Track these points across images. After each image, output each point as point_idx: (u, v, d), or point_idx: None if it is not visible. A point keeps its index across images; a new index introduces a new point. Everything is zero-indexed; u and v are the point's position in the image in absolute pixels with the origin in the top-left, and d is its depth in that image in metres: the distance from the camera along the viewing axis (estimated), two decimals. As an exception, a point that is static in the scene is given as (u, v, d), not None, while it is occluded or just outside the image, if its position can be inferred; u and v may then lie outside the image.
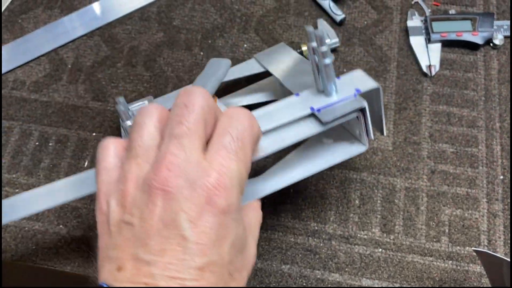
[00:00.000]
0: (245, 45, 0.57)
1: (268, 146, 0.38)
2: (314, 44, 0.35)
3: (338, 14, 0.56)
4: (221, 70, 0.44)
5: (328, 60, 0.35)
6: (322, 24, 0.56)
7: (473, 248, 0.45)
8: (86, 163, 0.51)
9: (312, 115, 0.38)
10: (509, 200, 0.48)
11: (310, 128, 0.38)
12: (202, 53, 0.56)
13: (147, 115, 0.30)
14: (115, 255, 0.27)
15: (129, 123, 0.38)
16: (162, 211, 0.27)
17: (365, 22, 0.57)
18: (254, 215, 0.35)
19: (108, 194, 0.29)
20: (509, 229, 0.47)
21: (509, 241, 0.46)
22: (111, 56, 0.57)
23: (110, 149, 0.31)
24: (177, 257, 0.26)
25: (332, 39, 0.54)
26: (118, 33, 0.58)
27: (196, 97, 0.29)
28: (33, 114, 0.54)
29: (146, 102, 0.49)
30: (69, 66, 0.56)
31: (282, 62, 0.49)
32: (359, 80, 0.39)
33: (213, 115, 0.30)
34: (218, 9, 0.59)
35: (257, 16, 0.58)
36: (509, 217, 0.47)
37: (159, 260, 0.26)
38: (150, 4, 0.59)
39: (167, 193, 0.27)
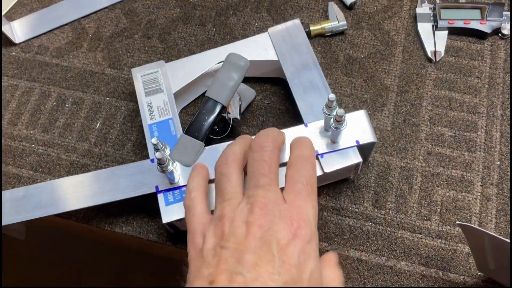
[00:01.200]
0: (256, 24, 0.59)
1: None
2: (335, 112, 0.42)
3: (349, -2, 0.58)
4: (239, 73, 0.47)
5: (341, 127, 0.42)
6: (333, 7, 0.57)
7: (457, 222, 0.45)
8: (98, 125, 0.54)
9: (315, 156, 0.44)
10: (503, 185, 0.48)
11: None
12: (214, 29, 0.59)
13: (231, 166, 0.38)
14: (208, 273, 0.31)
15: (158, 155, 0.41)
16: (257, 238, 0.32)
17: (375, 8, 0.58)
18: (334, 274, 0.36)
19: (204, 230, 0.35)
20: (501, 213, 0.47)
21: (500, 225, 0.46)
22: (129, 28, 0.60)
23: (198, 198, 0.39)
24: (267, 271, 0.31)
25: (340, 21, 0.56)
26: (137, 7, 0.61)
27: (271, 153, 0.37)
28: (53, 77, 0.57)
29: (158, 68, 0.51)
30: (90, 35, 0.60)
31: (289, 43, 0.51)
32: (360, 128, 0.45)
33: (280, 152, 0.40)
34: (234, -11, 0.61)
35: (271, -3, 0.60)
36: (502, 201, 0.47)
37: (251, 272, 0.30)
38: (169, -18, 0.62)
39: (261, 227, 0.33)
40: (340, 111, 0.41)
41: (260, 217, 0.33)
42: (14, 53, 0.60)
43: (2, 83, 0.58)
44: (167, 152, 0.43)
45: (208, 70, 0.51)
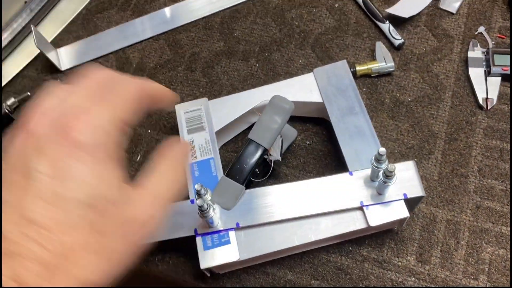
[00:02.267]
0: (300, 61, 0.58)
1: (314, 232, 0.44)
2: (385, 165, 0.41)
3: (397, 38, 0.56)
4: (283, 116, 0.46)
5: (390, 182, 0.41)
6: (380, 47, 0.56)
7: None
8: (139, 158, 0.54)
9: (360, 207, 0.44)
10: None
11: (355, 224, 0.44)
12: (257, 65, 0.58)
13: None
14: None
15: (200, 202, 0.40)
16: (19, 149, 0.26)
17: (424, 49, 0.57)
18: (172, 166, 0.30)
19: None
20: (555, 277, 0.44)
21: (554, 290, 0.44)
22: (173, 59, 0.60)
23: None
24: (21, 186, 0.25)
25: (387, 62, 0.55)
26: (182, 39, 0.62)
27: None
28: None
29: (201, 105, 0.51)
30: (134, 65, 0.60)
31: (335, 85, 0.50)
32: (408, 180, 0.43)
33: None
34: (278, 24, 0.61)
35: (316, 33, 0.59)
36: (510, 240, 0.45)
37: (7, 193, 0.24)
38: (214, 14, 0.62)
39: (27, 132, 0.26)
40: (391, 167, 0.39)
41: (29, 122, 0.26)
42: (59, 80, 0.60)
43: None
44: (209, 196, 0.42)
45: (251, 109, 0.51)
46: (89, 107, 0.26)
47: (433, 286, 0.45)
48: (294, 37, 0.59)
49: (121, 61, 0.61)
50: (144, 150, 0.54)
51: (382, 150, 0.40)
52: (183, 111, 0.51)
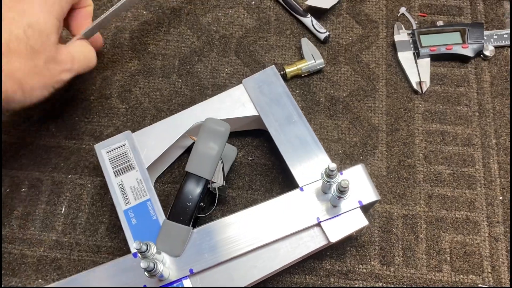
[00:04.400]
0: (226, 69, 0.53)
1: (275, 260, 0.40)
2: (336, 178, 0.39)
3: (322, 31, 0.53)
4: (220, 141, 0.42)
5: (344, 196, 0.39)
6: (306, 43, 0.53)
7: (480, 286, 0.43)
8: (63, 209, 0.47)
9: (317, 224, 0.41)
10: (509, 222, 0.46)
11: (315, 243, 0.41)
12: (180, 80, 0.53)
13: None
14: None
15: (144, 264, 0.35)
16: None
17: (350, 38, 0.55)
18: (83, 50, 0.44)
19: None
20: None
21: (512, 266, 0.44)
22: (82, 89, 0.53)
23: None
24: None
25: (316, 59, 0.52)
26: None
27: None
28: (2, 157, 0.50)
29: (125, 140, 0.45)
30: (38, 102, 0.53)
31: (266, 95, 0.46)
32: (361, 186, 0.41)
33: None
34: (195, 31, 0.55)
35: (237, 37, 0.55)
36: (510, 240, 0.45)
37: None
38: (120, 29, 0.55)
39: None
40: (344, 182, 0.37)
41: None
42: (-50, 134, 0.51)
43: None
44: (154, 249, 0.37)
45: (182, 135, 0.46)
46: None
47: (406, 287, 0.44)
48: (215, 44, 0.55)
49: (22, 99, 0.53)
50: (68, 200, 0.48)
51: (333, 166, 0.37)
52: (105, 151, 0.45)
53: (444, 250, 0.45)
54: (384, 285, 0.44)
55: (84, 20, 0.45)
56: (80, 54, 0.43)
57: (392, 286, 0.44)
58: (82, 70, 0.43)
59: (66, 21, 0.44)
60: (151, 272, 0.36)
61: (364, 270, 0.45)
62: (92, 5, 0.46)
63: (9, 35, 0.37)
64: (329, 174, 0.38)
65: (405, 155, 0.49)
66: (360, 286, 0.44)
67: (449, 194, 0.47)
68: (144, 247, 0.36)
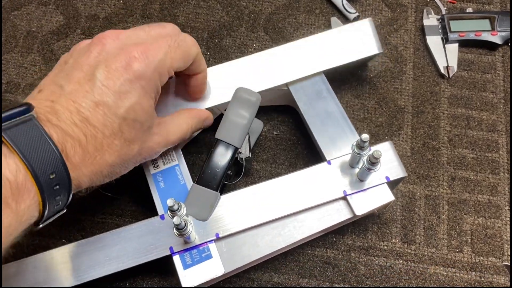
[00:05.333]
0: (254, 45, 0.54)
1: (300, 230, 0.41)
2: (367, 151, 0.39)
3: (352, 12, 0.54)
4: (251, 110, 0.42)
5: (375, 168, 0.39)
6: (336, 22, 0.53)
7: (503, 263, 0.43)
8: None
9: (343, 197, 0.41)
10: (531, 208, 0.46)
11: (340, 215, 0.42)
12: (208, 53, 0.53)
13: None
14: (41, 83, 0.35)
15: (176, 220, 0.36)
16: (93, 58, 0.34)
17: (379, 21, 0.55)
18: (186, 121, 0.41)
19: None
20: (532, 238, 0.45)
21: (532, 251, 0.45)
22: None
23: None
24: (84, 88, 0.33)
25: (346, 38, 0.52)
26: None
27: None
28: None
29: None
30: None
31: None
32: (388, 162, 0.42)
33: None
34: (225, 6, 0.56)
35: (266, 13, 0.55)
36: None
37: (70, 86, 0.33)
38: (151, 1, 0.56)
39: (103, 46, 0.34)
40: (377, 153, 0.37)
41: (104, 37, 0.35)
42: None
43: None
44: (183, 211, 0.38)
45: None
46: (152, 43, 0.35)
47: (422, 265, 0.44)
48: (244, 19, 0.55)
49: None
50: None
51: (365, 136, 0.37)
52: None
53: (465, 231, 0.45)
54: (404, 262, 0.44)
55: (197, 87, 0.42)
56: (176, 128, 0.40)
57: (413, 264, 0.44)
58: (178, 142, 0.41)
59: (179, 88, 0.43)
60: (181, 230, 0.36)
61: (385, 247, 0.45)
62: (206, 70, 0.42)
63: (103, 126, 0.33)
64: (360, 146, 0.38)
65: (429, 137, 0.49)
66: (381, 262, 0.44)
67: (472, 178, 0.47)
68: (176, 206, 0.36)
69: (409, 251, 0.45)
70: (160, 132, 0.38)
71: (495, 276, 0.44)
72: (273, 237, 0.41)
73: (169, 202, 0.36)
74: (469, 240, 0.45)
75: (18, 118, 0.29)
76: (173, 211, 0.37)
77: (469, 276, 0.44)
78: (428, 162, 0.48)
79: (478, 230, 0.45)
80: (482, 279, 0.44)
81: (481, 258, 0.44)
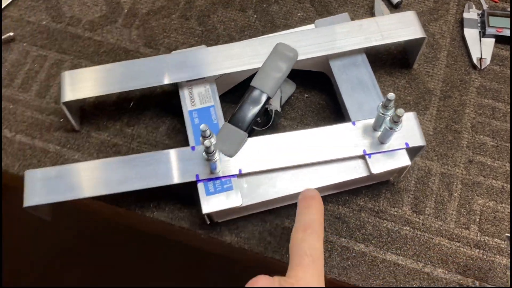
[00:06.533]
0: (298, 14, 0.57)
1: (316, 180, 0.44)
2: (391, 112, 0.41)
3: (396, -4, 0.56)
4: (287, 64, 0.46)
5: (396, 128, 0.41)
6: (379, 3, 0.56)
7: (506, 234, 0.45)
8: (131, 104, 0.52)
9: (362, 156, 0.44)
10: (543, 200, 0.48)
11: (357, 172, 0.44)
12: (255, 16, 0.57)
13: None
14: None
15: (207, 142, 0.39)
16: None
17: (421, 9, 0.57)
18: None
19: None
20: (539, 228, 0.47)
21: (538, 239, 0.46)
22: (167, 6, 0.58)
23: None
24: None
25: (387, 19, 0.54)
26: (176, -14, 0.59)
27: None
28: (85, 51, 0.55)
29: (200, 48, 0.49)
30: (125, 10, 0.57)
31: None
32: (410, 130, 0.44)
33: None
34: (277, -24, 0.59)
35: (314, -13, 0.58)
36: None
37: None
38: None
39: None
40: (400, 111, 0.39)
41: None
42: (44, 23, 0.57)
43: (31, 53, 0.55)
44: (213, 140, 0.41)
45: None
46: (309, 277, 0.33)
47: (428, 235, 0.46)
48: (293, -10, 0.58)
49: (112, 5, 0.58)
50: (136, 98, 0.52)
51: (391, 95, 0.40)
52: (182, 57, 0.49)
53: (474, 211, 0.47)
54: (411, 230, 0.46)
55: None
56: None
57: (419, 232, 0.46)
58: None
59: None
60: (210, 154, 0.40)
61: (395, 213, 0.47)
62: None
63: None
64: (385, 105, 0.41)
65: (453, 120, 0.51)
66: (388, 226, 0.47)
67: (489, 163, 0.49)
68: (208, 132, 0.40)
69: (418, 220, 0.47)
70: None
71: (498, 256, 0.45)
72: (290, 182, 0.44)
73: (203, 127, 0.39)
74: (477, 219, 0.47)
75: None
76: (204, 137, 0.40)
77: (472, 252, 0.45)
78: (448, 143, 0.50)
79: (488, 212, 0.47)
80: (485, 257, 0.45)
81: (487, 237, 0.46)
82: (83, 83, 0.48)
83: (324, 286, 0.34)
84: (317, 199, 0.38)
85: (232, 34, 0.56)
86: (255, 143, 0.45)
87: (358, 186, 0.48)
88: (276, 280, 0.33)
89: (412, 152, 0.45)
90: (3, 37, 0.54)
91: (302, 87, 0.53)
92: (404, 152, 0.44)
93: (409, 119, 0.45)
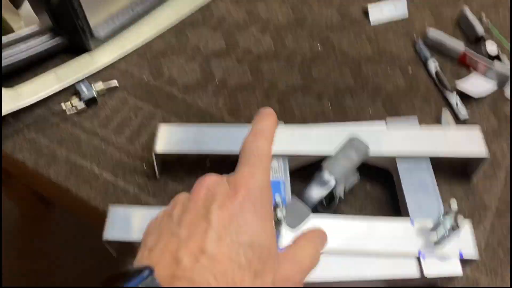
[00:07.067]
0: (370, 111, 0.62)
1: (365, 271, 0.46)
2: (451, 219, 0.44)
3: (462, 113, 0.61)
4: (359, 158, 0.50)
5: (453, 235, 0.44)
6: (447, 114, 0.60)
7: None
8: (207, 163, 0.57)
9: (415, 257, 0.46)
10: None
11: (408, 272, 0.46)
12: (330, 106, 0.63)
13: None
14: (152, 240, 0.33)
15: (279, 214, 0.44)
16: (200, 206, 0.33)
17: (485, 128, 0.61)
18: (308, 252, 0.38)
19: None
20: None
21: None
22: (252, 84, 0.65)
23: None
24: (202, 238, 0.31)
25: (452, 131, 0.59)
26: (263, 67, 0.66)
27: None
28: (176, 109, 0.62)
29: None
30: (216, 81, 0.65)
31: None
32: (464, 240, 0.47)
33: None
34: (354, 74, 0.66)
35: (387, 90, 0.64)
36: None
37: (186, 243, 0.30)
38: (298, 53, 0.67)
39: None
40: (461, 218, 0.42)
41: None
42: (145, 78, 0.65)
43: (129, 102, 0.62)
44: (284, 211, 0.45)
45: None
46: (254, 172, 0.35)
47: None
48: (367, 89, 0.64)
49: (205, 74, 0.65)
50: (212, 161, 0.57)
51: (454, 202, 0.43)
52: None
53: (519, 333, 0.47)
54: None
55: None
56: (303, 253, 0.37)
57: None
58: (313, 267, 0.37)
59: None
60: (277, 226, 0.44)
61: (438, 318, 0.48)
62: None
63: (231, 263, 0.30)
64: (447, 211, 0.44)
65: (506, 238, 0.53)
66: (431, 330, 0.47)
67: (538, 288, 0.50)
68: (280, 204, 0.44)
69: (460, 330, 0.48)
70: (287, 256, 0.35)
71: None
72: (339, 267, 0.46)
73: (277, 197, 0.43)
74: None
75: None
76: (276, 207, 0.44)
77: None
78: (498, 259, 0.52)
79: (532, 337, 0.47)
80: None
81: None
82: (177, 138, 0.53)
83: (269, 185, 0.36)
84: (273, 115, 0.40)
85: (306, 117, 0.62)
86: (314, 219, 0.48)
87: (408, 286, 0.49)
88: (223, 177, 0.35)
89: (464, 261, 0.47)
90: (109, 85, 0.62)
91: (365, 180, 0.57)
92: (457, 260, 0.46)
93: (465, 229, 0.47)
